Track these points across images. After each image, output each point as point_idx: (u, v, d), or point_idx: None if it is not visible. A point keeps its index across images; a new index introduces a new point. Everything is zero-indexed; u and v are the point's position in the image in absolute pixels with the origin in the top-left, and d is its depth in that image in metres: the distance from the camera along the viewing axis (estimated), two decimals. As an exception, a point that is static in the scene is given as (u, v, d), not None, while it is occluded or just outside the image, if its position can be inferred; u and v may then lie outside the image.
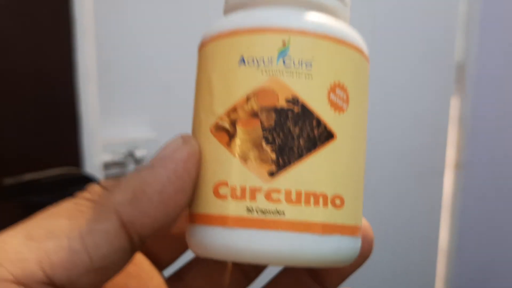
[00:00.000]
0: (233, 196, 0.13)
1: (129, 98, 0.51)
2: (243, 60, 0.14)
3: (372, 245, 0.16)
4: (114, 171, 0.49)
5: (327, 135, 0.13)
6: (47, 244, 0.11)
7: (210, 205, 0.13)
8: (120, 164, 0.49)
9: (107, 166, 0.48)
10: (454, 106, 0.94)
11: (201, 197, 0.14)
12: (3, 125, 0.39)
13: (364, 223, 0.15)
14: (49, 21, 0.41)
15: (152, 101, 0.52)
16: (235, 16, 0.14)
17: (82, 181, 0.40)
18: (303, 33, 0.13)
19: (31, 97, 0.41)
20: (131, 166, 0.49)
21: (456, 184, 0.97)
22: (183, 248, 0.17)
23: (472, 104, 0.93)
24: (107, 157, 0.47)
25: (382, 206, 0.79)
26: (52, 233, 0.12)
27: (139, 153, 0.49)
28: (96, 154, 0.44)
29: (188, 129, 0.59)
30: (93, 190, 0.13)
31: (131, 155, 0.48)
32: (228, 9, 0.16)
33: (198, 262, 0.17)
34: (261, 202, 0.13)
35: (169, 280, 0.17)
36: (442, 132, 0.91)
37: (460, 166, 0.96)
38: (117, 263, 0.12)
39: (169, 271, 0.18)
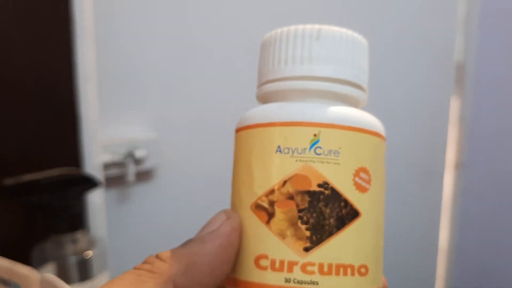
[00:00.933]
0: (273, 268, 0.15)
1: (129, 98, 0.51)
2: (279, 149, 0.16)
3: None
4: (113, 171, 0.49)
5: (353, 214, 0.16)
6: None
7: (252, 274, 0.16)
8: (120, 164, 0.49)
9: (107, 166, 0.48)
10: (454, 106, 0.93)
11: (243, 266, 0.16)
12: (3, 126, 0.39)
13: (383, 280, 0.18)
14: (48, 22, 0.41)
15: (152, 102, 0.52)
16: (271, 107, 0.17)
17: (81, 182, 0.40)
18: (331, 125, 0.16)
19: (31, 97, 0.41)
20: (131, 166, 0.49)
21: (456, 184, 0.97)
22: None
23: (472, 104, 0.93)
24: (107, 158, 0.47)
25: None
26: None
27: (139, 154, 0.49)
28: (95, 155, 0.44)
29: (187, 129, 0.59)
30: (151, 262, 0.15)
31: (131, 155, 0.48)
32: (262, 97, 0.18)
33: None
34: (297, 273, 0.15)
35: None
36: (442, 132, 0.91)
37: (460, 166, 0.96)
38: None
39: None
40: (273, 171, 0.16)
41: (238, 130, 0.18)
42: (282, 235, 0.15)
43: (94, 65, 0.43)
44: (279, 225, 0.15)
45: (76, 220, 0.39)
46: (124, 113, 0.50)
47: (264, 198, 0.16)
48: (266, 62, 0.18)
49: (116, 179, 0.50)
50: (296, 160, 0.16)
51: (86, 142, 0.43)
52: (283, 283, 0.15)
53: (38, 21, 0.40)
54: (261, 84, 0.18)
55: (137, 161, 0.49)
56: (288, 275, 0.15)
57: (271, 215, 0.16)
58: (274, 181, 0.16)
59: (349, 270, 0.15)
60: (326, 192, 0.15)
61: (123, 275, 0.14)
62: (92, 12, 0.43)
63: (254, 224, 0.16)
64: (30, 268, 0.30)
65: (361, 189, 0.16)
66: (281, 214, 0.15)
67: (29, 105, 0.41)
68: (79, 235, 0.39)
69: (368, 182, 0.16)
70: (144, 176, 0.52)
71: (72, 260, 0.38)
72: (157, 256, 0.15)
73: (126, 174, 0.48)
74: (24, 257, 0.37)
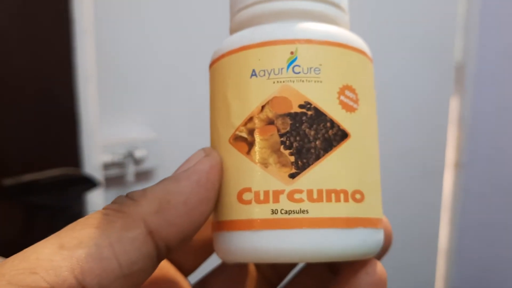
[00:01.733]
0: (257, 200, 0.14)
1: (129, 98, 0.51)
2: (254, 73, 0.14)
3: (391, 238, 0.16)
4: (113, 171, 0.49)
5: (342, 135, 0.14)
6: (78, 252, 0.12)
7: (235, 211, 0.14)
8: (119, 164, 0.49)
9: (106, 166, 0.48)
10: (454, 105, 0.94)
11: (225, 205, 0.14)
12: (3, 126, 0.39)
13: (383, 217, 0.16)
14: (48, 22, 0.41)
15: (151, 102, 0.52)
16: (243, 32, 0.15)
17: (81, 182, 0.40)
18: (308, 41, 0.14)
19: (31, 98, 0.41)
20: (131, 167, 0.49)
21: (455, 183, 0.97)
22: (206, 254, 0.18)
23: (471, 104, 0.93)
24: (107, 158, 0.47)
25: (382, 205, 0.79)
26: (83, 242, 0.12)
27: (138, 154, 0.49)
28: (95, 155, 0.44)
29: (187, 129, 0.59)
30: (120, 201, 0.14)
31: (130, 155, 0.49)
32: (235, 28, 0.17)
33: (222, 270, 0.18)
34: (284, 203, 0.14)
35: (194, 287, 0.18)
36: (442, 132, 0.91)
37: (459, 166, 0.96)
38: (145, 270, 0.13)
39: (192, 278, 0.18)
40: (249, 98, 0.14)
41: (211, 65, 0.16)
42: (264, 164, 0.14)
43: (94, 66, 0.43)
44: (260, 154, 0.14)
45: (76, 220, 0.39)
46: (123, 113, 0.50)
47: (242, 128, 0.14)
48: None
49: (115, 179, 0.50)
50: (274, 82, 0.14)
51: (86, 142, 0.43)
52: (269, 215, 0.14)
53: (39, 22, 0.40)
54: (233, 15, 0.17)
55: (137, 161, 0.49)
56: (274, 206, 0.14)
57: (251, 144, 0.14)
58: (252, 107, 0.14)
59: (342, 196, 0.14)
60: (309, 112, 0.14)
61: (89, 215, 0.13)
62: (92, 13, 0.43)
63: (234, 157, 0.14)
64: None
65: (348, 108, 0.14)
66: (262, 142, 0.14)
67: (29, 106, 0.41)
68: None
69: (355, 101, 0.15)
70: (143, 176, 0.52)
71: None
72: (127, 196, 0.14)
73: (126, 174, 0.49)
74: (24, 257, 0.37)
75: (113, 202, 0.14)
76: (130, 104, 0.51)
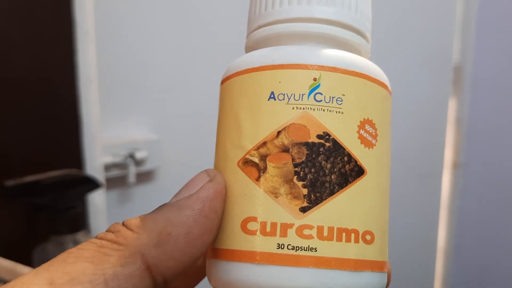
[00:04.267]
0: (263, 232, 0.13)
1: (130, 99, 0.51)
2: (273, 95, 0.13)
3: (390, 278, 0.16)
4: (114, 172, 0.49)
5: (358, 171, 0.13)
6: None
7: (238, 240, 0.13)
8: (120, 165, 0.49)
9: (108, 167, 0.48)
10: (452, 107, 0.94)
11: (226, 233, 0.14)
12: (5, 127, 0.39)
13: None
14: (50, 24, 0.41)
15: (152, 103, 0.52)
16: (264, 51, 0.14)
17: (83, 183, 0.40)
18: (333, 69, 0.14)
19: (32, 99, 0.41)
20: (132, 168, 0.49)
21: (454, 184, 0.97)
22: (198, 279, 0.17)
23: (469, 105, 0.94)
24: (108, 159, 0.47)
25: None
26: (75, 279, 0.11)
27: (139, 155, 0.49)
28: (97, 156, 0.44)
29: (188, 130, 0.59)
30: (117, 231, 0.13)
31: (131, 156, 0.49)
32: (252, 45, 0.16)
33: None
34: (292, 238, 0.13)
35: None
36: (440, 133, 0.92)
37: (458, 167, 0.96)
38: None
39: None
40: (265, 121, 0.13)
41: (223, 81, 0.15)
42: (274, 194, 0.13)
43: (95, 67, 0.44)
44: (271, 182, 0.13)
45: (77, 221, 0.39)
46: (125, 114, 0.51)
47: (254, 152, 0.13)
48: (257, 5, 0.15)
49: (117, 180, 0.50)
50: (293, 108, 0.13)
51: (87, 143, 0.43)
52: (275, 250, 0.13)
53: (40, 24, 0.41)
54: (251, 31, 0.16)
55: (138, 162, 0.50)
56: (281, 240, 0.13)
57: (262, 170, 0.13)
58: (267, 132, 0.13)
59: (352, 236, 0.13)
60: (327, 144, 0.13)
61: (82, 245, 0.12)
62: (93, 14, 0.43)
63: (241, 182, 0.13)
64: (31, 269, 0.30)
65: (367, 143, 0.14)
66: (274, 170, 0.13)
67: (31, 107, 0.41)
68: (80, 236, 0.39)
69: (374, 136, 0.14)
70: (144, 177, 0.52)
71: (74, 261, 0.38)
72: (123, 224, 0.13)
73: (127, 175, 0.49)
74: (25, 258, 0.37)
75: (108, 231, 0.13)
76: (132, 105, 0.51)
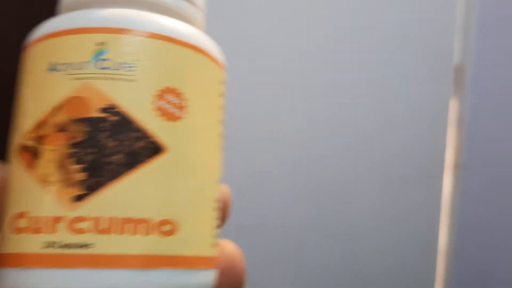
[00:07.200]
0: (31, 229, 0.11)
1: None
2: (53, 66, 0.12)
3: (242, 278, 0.13)
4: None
5: (154, 148, 0.11)
6: None
7: (6, 242, 0.11)
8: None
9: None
10: (453, 108, 0.94)
11: (0, 234, 0.12)
12: (5, 127, 0.39)
13: (230, 250, 0.13)
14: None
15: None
16: (55, 18, 0.13)
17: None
18: (124, 31, 0.12)
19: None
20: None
21: (455, 185, 0.97)
22: None
23: (470, 106, 0.94)
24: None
25: (381, 207, 0.79)
26: None
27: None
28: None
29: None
30: None
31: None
32: (62, 10, 0.14)
33: None
34: (62, 234, 0.11)
35: None
36: (441, 134, 0.92)
37: (459, 168, 0.96)
38: None
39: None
40: (43, 97, 0.12)
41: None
42: (45, 182, 0.11)
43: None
44: (43, 169, 0.11)
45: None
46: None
47: (30, 135, 0.12)
48: None
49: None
50: (72, 79, 0.11)
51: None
52: (42, 250, 0.11)
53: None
54: None
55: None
56: (50, 238, 0.11)
57: (35, 156, 0.11)
58: (45, 110, 0.11)
59: (142, 227, 0.11)
60: (112, 118, 0.11)
61: None
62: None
63: (17, 172, 0.12)
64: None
65: (169, 116, 0.12)
66: (49, 154, 0.11)
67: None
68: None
69: (181, 108, 0.12)
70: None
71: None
72: None
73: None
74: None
75: None
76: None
